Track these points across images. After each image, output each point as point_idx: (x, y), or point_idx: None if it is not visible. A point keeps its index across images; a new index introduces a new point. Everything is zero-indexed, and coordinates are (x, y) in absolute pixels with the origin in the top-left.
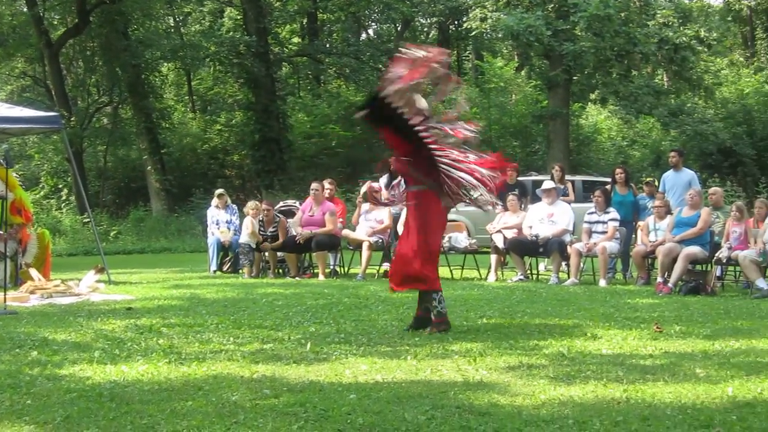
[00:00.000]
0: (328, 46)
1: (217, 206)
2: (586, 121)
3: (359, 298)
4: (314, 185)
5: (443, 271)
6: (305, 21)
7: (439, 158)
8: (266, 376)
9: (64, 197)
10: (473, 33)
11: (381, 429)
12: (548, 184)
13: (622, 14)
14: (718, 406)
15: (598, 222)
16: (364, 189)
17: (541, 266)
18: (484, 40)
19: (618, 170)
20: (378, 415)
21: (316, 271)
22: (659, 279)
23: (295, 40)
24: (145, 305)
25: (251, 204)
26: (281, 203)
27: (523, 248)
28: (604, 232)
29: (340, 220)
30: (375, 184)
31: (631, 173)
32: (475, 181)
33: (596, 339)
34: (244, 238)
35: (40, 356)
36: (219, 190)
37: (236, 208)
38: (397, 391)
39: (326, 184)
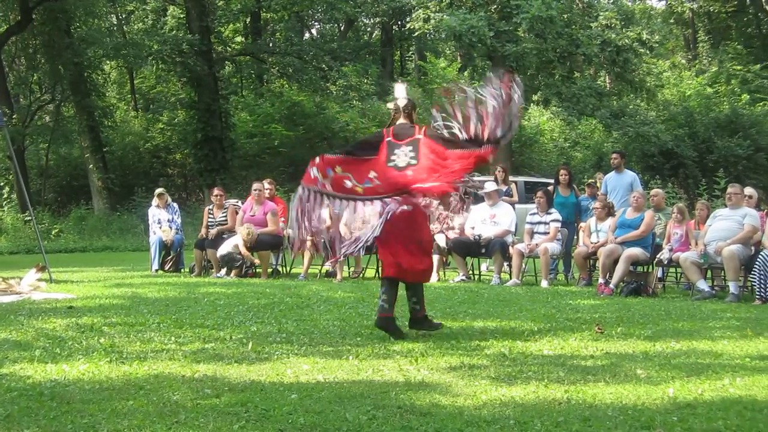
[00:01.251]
0: (271, 45)
1: (157, 205)
2: (528, 122)
3: (301, 297)
4: (256, 185)
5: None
6: (248, 20)
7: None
8: (208, 376)
9: (5, 195)
10: (416, 33)
11: (322, 429)
12: (490, 185)
13: (565, 16)
14: (659, 407)
15: (540, 223)
16: None
17: (483, 267)
18: (427, 41)
19: (562, 171)
20: (319, 415)
21: (258, 270)
22: (601, 280)
23: (238, 39)
24: (87, 304)
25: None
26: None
27: (466, 249)
28: (546, 233)
29: (282, 219)
30: None
31: (573, 174)
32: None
33: (538, 340)
34: (228, 247)
35: None
36: (159, 190)
37: (177, 207)
38: (338, 391)
39: (266, 183)
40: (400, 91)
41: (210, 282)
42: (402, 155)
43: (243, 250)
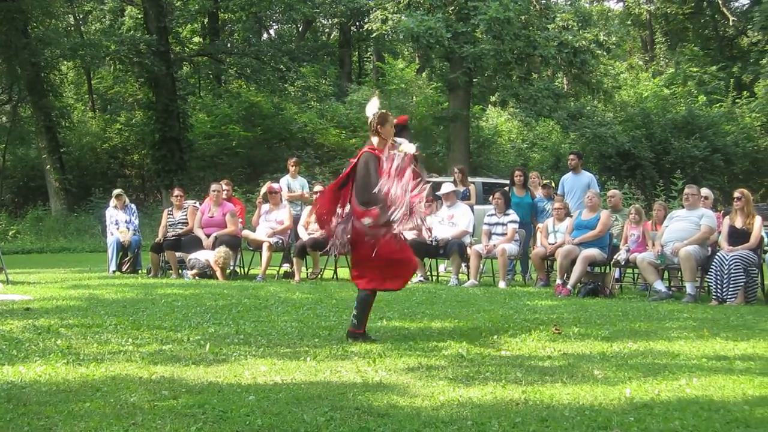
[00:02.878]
0: (229, 45)
1: (115, 206)
2: (486, 123)
3: (259, 299)
4: (214, 186)
5: (344, 272)
6: (206, 20)
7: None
8: (165, 378)
9: None
10: (374, 34)
11: (280, 430)
12: (447, 186)
13: (522, 17)
14: (616, 407)
15: (497, 224)
16: (264, 189)
17: (441, 268)
18: (385, 42)
19: (517, 172)
20: (277, 416)
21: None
22: (558, 281)
23: (196, 39)
24: (44, 305)
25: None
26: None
27: (423, 250)
28: (504, 234)
29: (240, 220)
30: (275, 185)
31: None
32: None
33: (495, 341)
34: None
35: None
36: (117, 191)
37: (135, 207)
38: (296, 393)
39: (223, 184)
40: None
41: (167, 283)
42: None
43: (215, 267)
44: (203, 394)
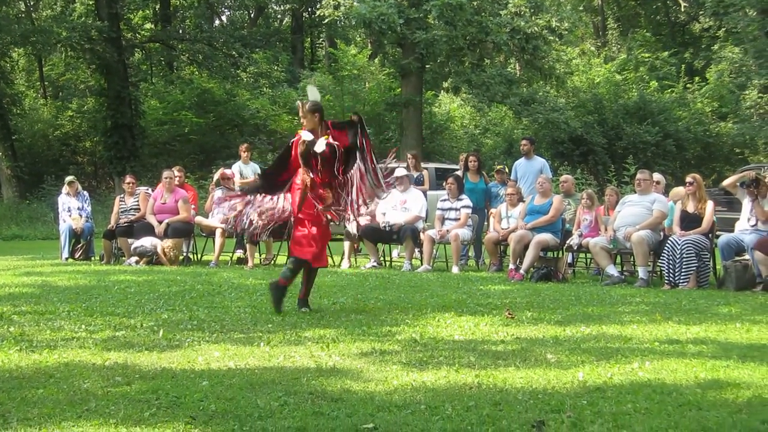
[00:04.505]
0: (181, 32)
1: (67, 193)
2: (439, 109)
3: (212, 284)
4: (166, 173)
5: None
6: (158, 7)
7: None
8: (118, 364)
9: None
10: (326, 20)
11: (233, 416)
12: (400, 171)
13: (474, 3)
14: (569, 390)
15: (450, 209)
16: (216, 175)
17: (395, 253)
18: (337, 28)
19: (471, 158)
20: (230, 401)
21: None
22: (511, 266)
23: (148, 26)
24: None
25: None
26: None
27: (377, 235)
28: (457, 219)
29: (192, 206)
30: (227, 171)
31: (483, 161)
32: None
33: (449, 325)
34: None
35: None
36: (69, 178)
37: (87, 194)
38: (249, 378)
39: (175, 171)
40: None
41: (120, 270)
42: None
43: (161, 256)
44: (157, 380)
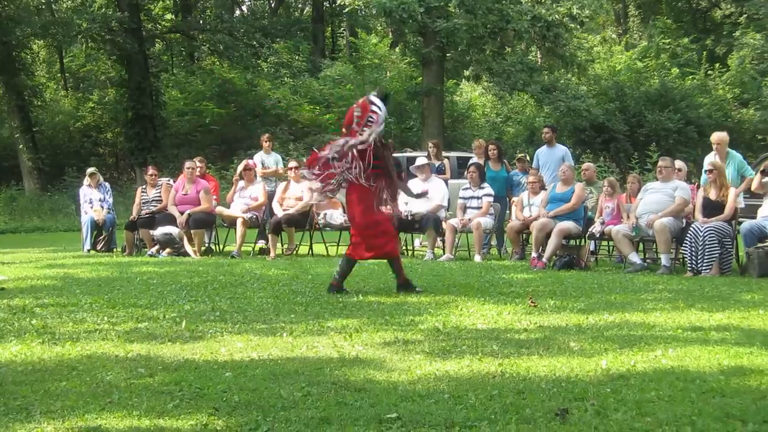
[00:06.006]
0: (201, 22)
1: (89, 185)
2: (460, 97)
3: (234, 275)
4: (188, 163)
5: (319, 248)
6: None
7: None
8: (141, 355)
9: None
10: (347, 10)
11: (256, 406)
12: (421, 160)
13: None
14: (592, 378)
15: (472, 198)
16: (240, 167)
17: (417, 242)
18: (358, 17)
19: (491, 146)
20: (253, 392)
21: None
22: (533, 254)
23: (168, 16)
24: (18, 285)
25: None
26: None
27: (399, 224)
28: (479, 208)
29: (214, 197)
30: (250, 161)
31: (504, 149)
32: None
33: (471, 314)
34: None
35: None
36: (91, 169)
37: (109, 186)
38: (272, 369)
39: (196, 161)
40: None
41: (142, 261)
42: None
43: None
44: (179, 372)
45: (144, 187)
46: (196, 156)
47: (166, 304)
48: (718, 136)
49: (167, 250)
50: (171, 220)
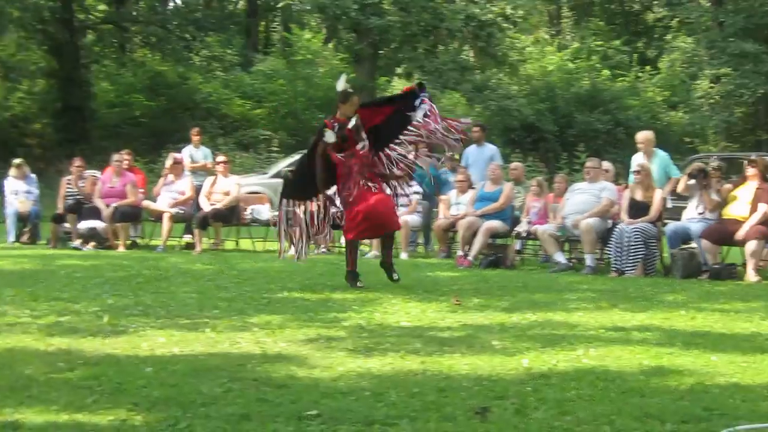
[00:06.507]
0: (134, 14)
1: (15, 176)
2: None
3: (159, 270)
4: (116, 156)
5: (245, 243)
6: None
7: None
8: (62, 349)
9: None
10: (281, 5)
11: (176, 402)
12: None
13: None
14: (514, 377)
15: (400, 195)
16: (169, 162)
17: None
18: (292, 12)
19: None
20: (174, 388)
21: (117, 241)
22: (460, 252)
23: (101, 7)
24: None
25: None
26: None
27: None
28: (407, 205)
29: (141, 190)
30: (178, 155)
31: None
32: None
33: (396, 311)
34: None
35: None
36: (17, 160)
37: (35, 178)
38: (194, 364)
39: (123, 154)
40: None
41: (67, 254)
42: None
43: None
44: (100, 366)
45: (70, 178)
46: (124, 149)
47: (89, 298)
48: (643, 136)
49: (92, 243)
50: (97, 213)
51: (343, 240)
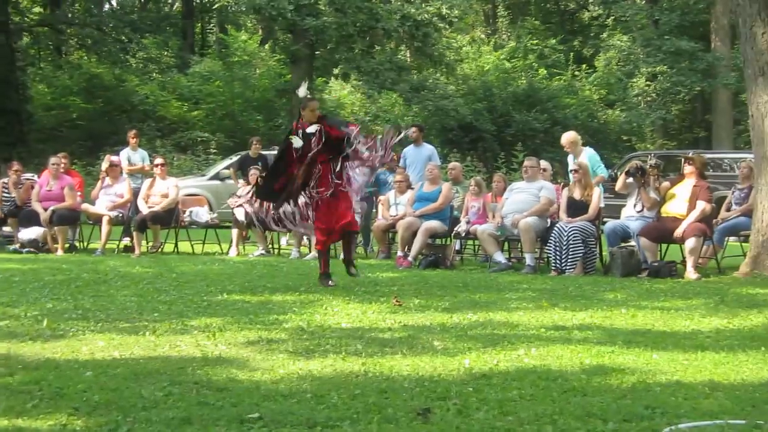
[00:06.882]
0: (70, 16)
1: None
2: (329, 95)
3: (98, 273)
4: (53, 159)
5: (184, 246)
6: None
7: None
8: (1, 354)
9: None
10: (216, 6)
11: (117, 406)
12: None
13: None
14: (455, 378)
15: None
16: (105, 164)
17: (283, 241)
18: (228, 13)
19: None
20: (114, 392)
21: (55, 245)
22: (399, 253)
23: (37, 9)
24: None
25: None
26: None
27: (265, 222)
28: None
29: (79, 193)
30: (114, 158)
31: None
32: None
33: (336, 313)
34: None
35: None
36: None
37: None
38: (134, 368)
39: (60, 157)
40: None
41: (5, 258)
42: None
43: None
44: (40, 371)
45: (6, 181)
46: (62, 151)
47: (27, 302)
48: (565, 138)
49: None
50: (35, 217)
51: (283, 241)
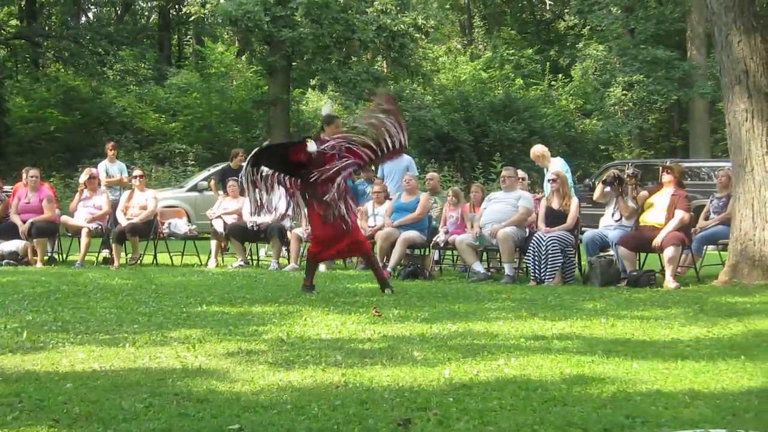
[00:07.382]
0: (46, 29)
1: None
2: (306, 107)
3: (77, 285)
4: (32, 171)
5: (163, 257)
6: (23, 3)
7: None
8: None
9: None
10: (193, 18)
11: (98, 418)
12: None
13: (341, 1)
14: (435, 388)
15: None
16: (84, 176)
17: (262, 252)
18: (204, 25)
19: None
20: (95, 404)
21: (35, 257)
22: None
23: (13, 22)
24: None
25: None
26: None
27: (244, 234)
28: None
29: (55, 205)
30: (93, 170)
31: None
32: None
33: (315, 324)
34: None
35: None
36: None
37: None
38: (114, 380)
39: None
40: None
41: None
42: None
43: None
44: (20, 383)
45: None
46: (40, 164)
47: (7, 314)
48: (534, 153)
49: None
50: (14, 230)
51: (262, 252)
